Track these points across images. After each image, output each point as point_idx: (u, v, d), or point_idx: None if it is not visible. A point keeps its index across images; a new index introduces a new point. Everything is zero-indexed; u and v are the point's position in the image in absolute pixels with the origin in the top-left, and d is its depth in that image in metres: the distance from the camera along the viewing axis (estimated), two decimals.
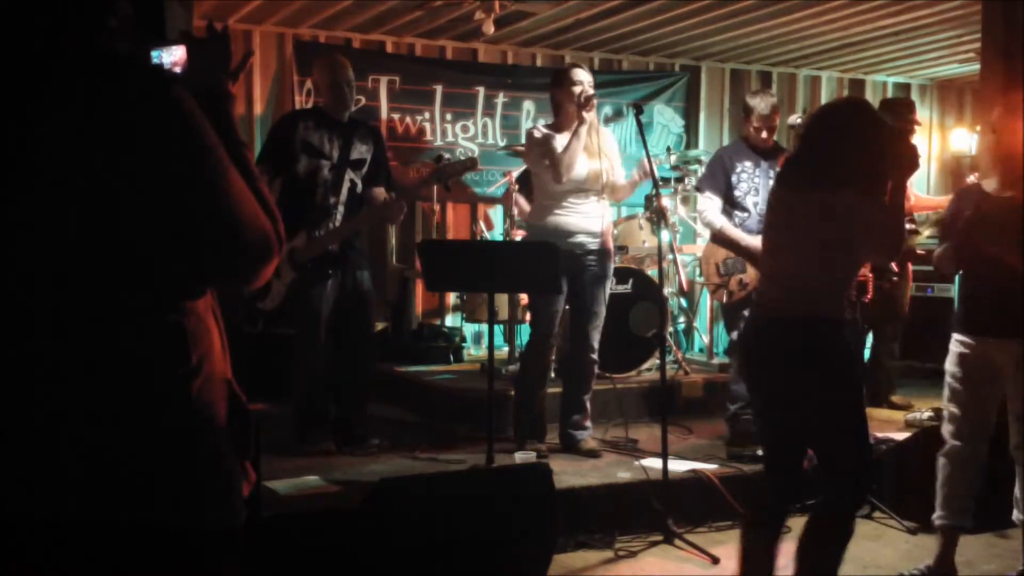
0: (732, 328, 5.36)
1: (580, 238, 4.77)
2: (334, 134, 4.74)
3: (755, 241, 5.10)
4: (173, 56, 1.79)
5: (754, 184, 5.20)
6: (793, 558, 3.05)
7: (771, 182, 5.14)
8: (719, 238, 5.21)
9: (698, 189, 5.40)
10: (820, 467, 3.12)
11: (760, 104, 5.16)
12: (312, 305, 4.65)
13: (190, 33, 1.91)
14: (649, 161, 4.54)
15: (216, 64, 1.79)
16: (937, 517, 3.79)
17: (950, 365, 3.76)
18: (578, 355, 4.86)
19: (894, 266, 5.33)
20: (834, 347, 3.02)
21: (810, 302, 3.02)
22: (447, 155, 7.00)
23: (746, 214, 5.20)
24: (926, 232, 5.91)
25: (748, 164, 5.19)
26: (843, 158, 2.96)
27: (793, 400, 3.06)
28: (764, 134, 5.17)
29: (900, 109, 5.93)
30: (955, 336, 3.75)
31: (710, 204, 5.21)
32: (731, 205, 5.22)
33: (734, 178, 5.20)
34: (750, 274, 5.13)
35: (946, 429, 3.80)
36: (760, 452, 4.60)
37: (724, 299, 5.27)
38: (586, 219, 4.78)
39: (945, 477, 3.77)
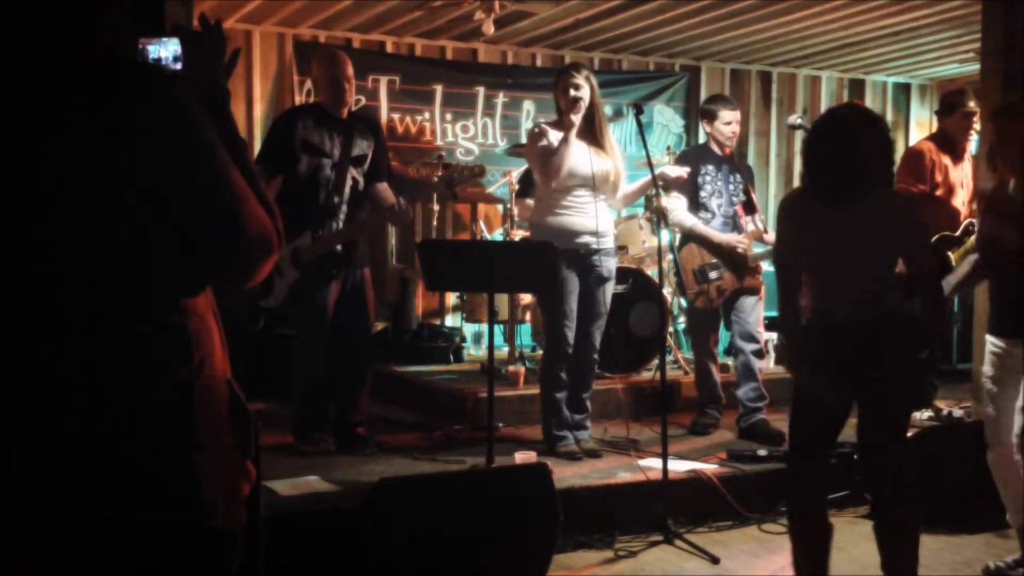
0: (707, 331, 5.44)
1: (585, 238, 4.76)
2: (334, 131, 4.71)
3: (727, 237, 5.26)
4: (168, 51, 1.78)
5: (717, 187, 5.35)
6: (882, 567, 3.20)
7: (731, 185, 5.27)
8: (691, 236, 5.36)
9: (664, 189, 5.44)
10: (877, 463, 3.23)
11: (734, 111, 5.36)
12: (316, 305, 4.64)
13: (184, 27, 1.88)
14: (649, 161, 4.54)
15: (212, 59, 1.78)
16: (1009, 518, 3.84)
17: (985, 367, 3.74)
18: (580, 355, 4.84)
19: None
20: (907, 342, 3.17)
21: (880, 302, 3.16)
22: (446, 155, 7.00)
23: (710, 215, 5.35)
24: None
25: (711, 167, 5.36)
26: (866, 164, 3.10)
27: (868, 396, 3.18)
28: (732, 140, 5.40)
29: (954, 99, 5.91)
30: (987, 338, 3.74)
31: (678, 204, 5.35)
32: (695, 206, 5.36)
33: (699, 179, 5.31)
34: (727, 280, 5.29)
35: (988, 432, 3.80)
36: (763, 452, 4.68)
37: (704, 305, 5.32)
38: (590, 219, 4.76)
39: (997, 480, 3.80)
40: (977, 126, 5.74)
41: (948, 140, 5.86)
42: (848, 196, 3.12)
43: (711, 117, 5.39)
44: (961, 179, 5.81)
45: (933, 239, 5.72)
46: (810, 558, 3.26)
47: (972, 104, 5.78)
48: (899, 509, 3.19)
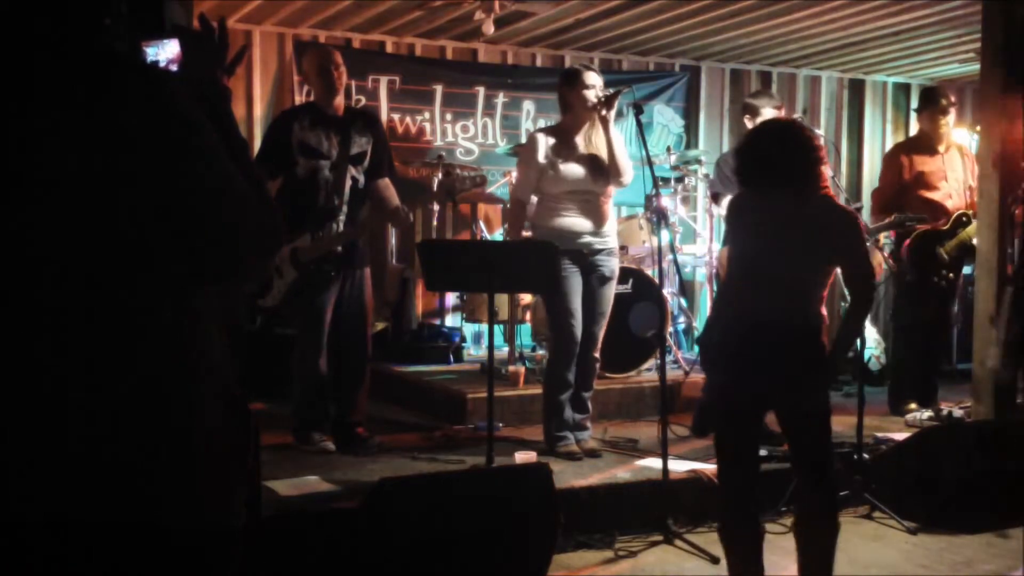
0: None
1: (587, 239, 4.76)
2: (331, 131, 4.70)
3: None
4: (167, 51, 1.77)
5: None
6: (798, 560, 3.16)
7: None
8: None
9: (715, 197, 5.36)
10: (799, 464, 3.22)
11: (778, 108, 5.25)
12: (316, 306, 4.64)
13: (184, 27, 1.87)
14: (649, 161, 4.54)
15: (211, 59, 1.78)
16: None
17: None
18: (581, 355, 4.84)
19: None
20: (818, 350, 3.11)
21: (797, 306, 3.10)
22: (446, 155, 7.00)
23: None
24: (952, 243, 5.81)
25: None
26: (792, 163, 3.13)
27: (778, 401, 3.16)
28: None
29: (927, 96, 6.05)
30: None
31: None
32: None
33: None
34: None
35: None
36: (763, 452, 4.64)
37: None
38: (592, 219, 4.77)
39: None
40: (950, 120, 5.93)
41: (924, 136, 6.04)
42: (778, 190, 3.14)
43: (753, 113, 5.28)
44: (942, 172, 5.86)
45: (914, 234, 5.73)
46: (746, 564, 3.22)
47: (944, 102, 5.91)
48: (816, 518, 3.16)
